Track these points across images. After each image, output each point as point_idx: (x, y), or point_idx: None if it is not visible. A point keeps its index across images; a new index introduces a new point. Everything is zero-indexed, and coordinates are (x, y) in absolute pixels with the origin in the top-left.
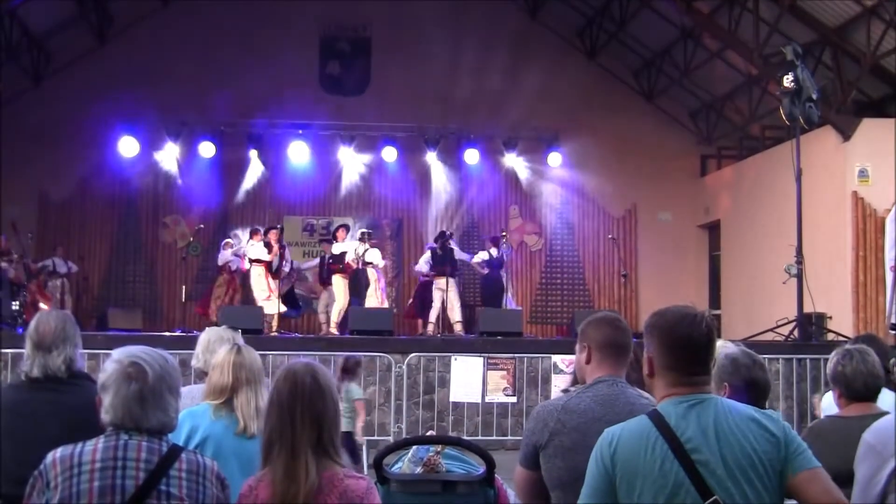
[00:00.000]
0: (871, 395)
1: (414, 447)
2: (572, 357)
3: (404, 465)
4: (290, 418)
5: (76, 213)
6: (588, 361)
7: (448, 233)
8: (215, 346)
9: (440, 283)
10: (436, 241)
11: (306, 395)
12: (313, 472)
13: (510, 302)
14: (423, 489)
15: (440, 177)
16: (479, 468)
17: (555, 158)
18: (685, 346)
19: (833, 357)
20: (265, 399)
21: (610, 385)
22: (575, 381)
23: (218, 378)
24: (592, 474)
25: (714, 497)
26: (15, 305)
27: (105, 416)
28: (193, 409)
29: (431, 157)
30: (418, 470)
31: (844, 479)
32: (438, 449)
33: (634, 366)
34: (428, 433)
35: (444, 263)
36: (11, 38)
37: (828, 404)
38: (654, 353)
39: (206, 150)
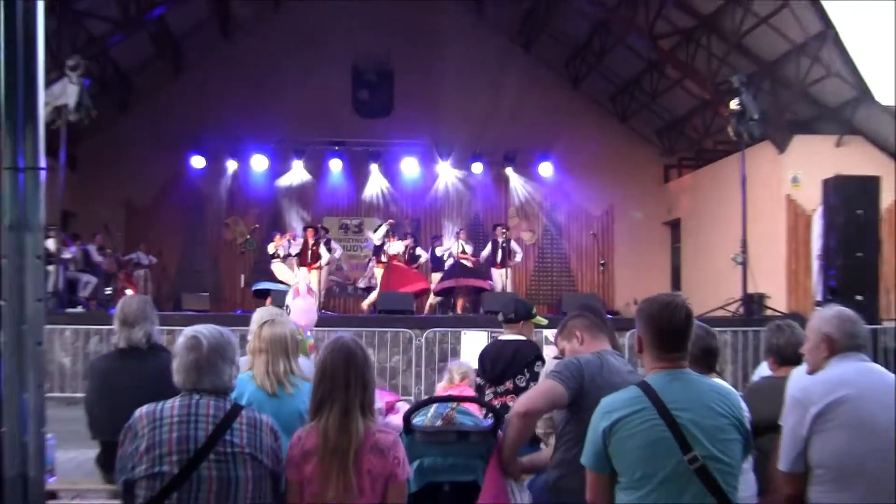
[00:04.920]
0: (799, 360)
1: (435, 404)
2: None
3: (427, 418)
4: (343, 382)
5: (156, 215)
6: (582, 343)
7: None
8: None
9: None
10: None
11: (358, 364)
12: (361, 428)
13: None
14: (442, 439)
15: (451, 184)
16: (486, 421)
17: (546, 168)
18: (666, 330)
19: (767, 332)
20: (284, 364)
21: (613, 355)
22: (563, 352)
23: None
24: (593, 437)
25: (693, 452)
26: (108, 291)
27: (175, 377)
28: (239, 377)
29: (444, 168)
30: (438, 423)
31: (777, 426)
32: (454, 406)
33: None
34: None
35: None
36: (104, 74)
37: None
38: (642, 334)
39: (260, 162)
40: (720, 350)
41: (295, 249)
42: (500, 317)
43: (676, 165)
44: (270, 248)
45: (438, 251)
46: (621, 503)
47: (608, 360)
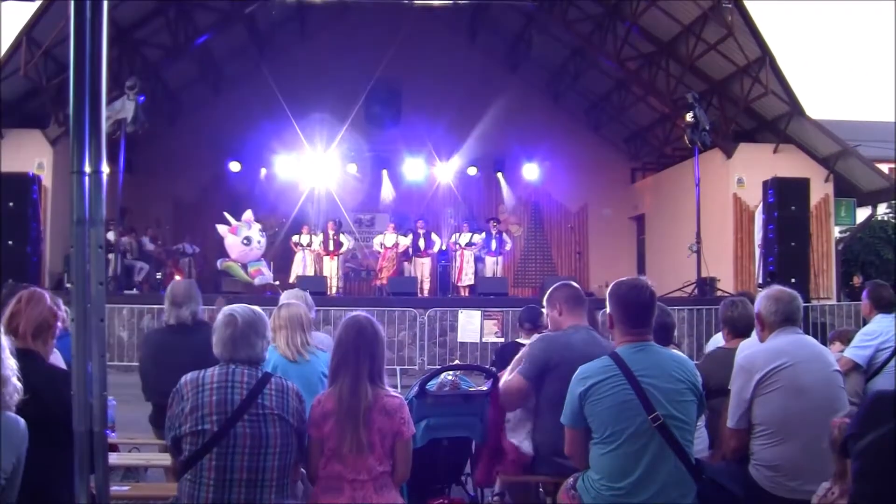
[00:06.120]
0: (749, 333)
1: (444, 373)
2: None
3: (436, 385)
4: (353, 353)
5: (199, 211)
6: (560, 314)
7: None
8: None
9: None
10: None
11: (368, 338)
12: (369, 392)
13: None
14: (450, 401)
15: (450, 184)
16: (482, 387)
17: (530, 171)
18: (634, 308)
19: (722, 306)
20: (300, 337)
21: (585, 331)
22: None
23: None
24: (571, 400)
25: (656, 412)
26: (158, 276)
27: (215, 350)
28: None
29: (443, 171)
30: (446, 388)
31: (727, 389)
32: (458, 374)
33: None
34: (455, 362)
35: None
36: (156, 92)
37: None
38: (613, 312)
39: (286, 166)
40: (676, 325)
41: (317, 240)
42: (518, 323)
43: (641, 168)
44: (295, 238)
45: (450, 240)
46: (594, 456)
47: (571, 338)
